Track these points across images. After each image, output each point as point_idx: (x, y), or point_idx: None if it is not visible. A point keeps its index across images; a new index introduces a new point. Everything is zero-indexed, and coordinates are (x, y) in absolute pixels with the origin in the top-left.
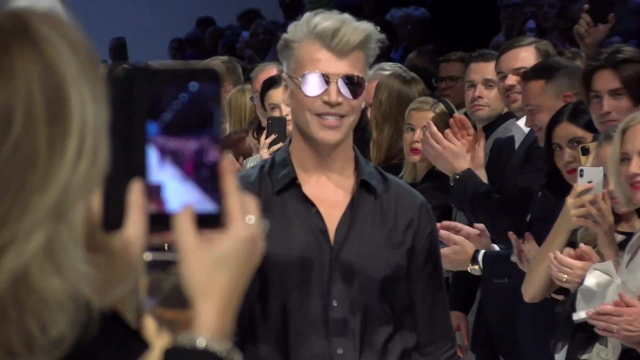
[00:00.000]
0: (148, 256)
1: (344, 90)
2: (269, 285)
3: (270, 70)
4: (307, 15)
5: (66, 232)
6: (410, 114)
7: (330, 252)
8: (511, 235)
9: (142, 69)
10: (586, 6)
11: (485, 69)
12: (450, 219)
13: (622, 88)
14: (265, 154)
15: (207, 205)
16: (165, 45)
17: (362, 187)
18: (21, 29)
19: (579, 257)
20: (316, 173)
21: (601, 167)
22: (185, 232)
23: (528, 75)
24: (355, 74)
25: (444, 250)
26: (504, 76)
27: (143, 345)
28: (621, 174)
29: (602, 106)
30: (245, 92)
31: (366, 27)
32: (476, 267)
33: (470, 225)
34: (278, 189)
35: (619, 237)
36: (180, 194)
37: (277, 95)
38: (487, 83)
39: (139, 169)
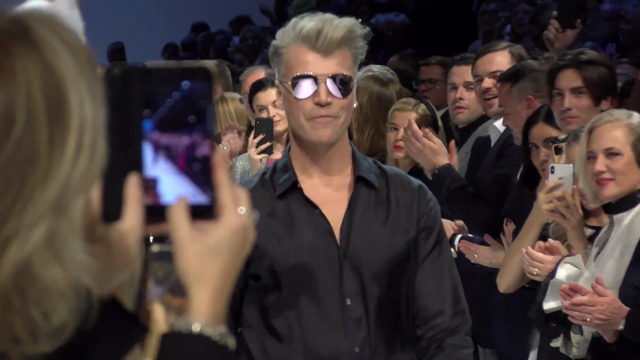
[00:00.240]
0: (156, 248)
1: (333, 90)
2: (282, 288)
3: (258, 73)
4: (293, 20)
5: (67, 225)
6: (393, 114)
7: (337, 250)
8: (487, 237)
9: (138, 68)
10: (554, 13)
11: (466, 72)
12: None
13: (583, 87)
14: (253, 153)
15: (200, 198)
16: (161, 49)
17: (361, 182)
18: (22, 32)
19: (549, 250)
20: (317, 175)
21: (571, 164)
22: (179, 223)
23: (499, 78)
24: (343, 73)
25: None
26: (480, 79)
27: (142, 330)
28: (588, 171)
29: (564, 103)
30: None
31: (347, 22)
32: (452, 250)
33: (449, 219)
34: (280, 193)
35: (589, 231)
36: (174, 187)
37: (265, 97)
38: (468, 85)
39: (136, 164)
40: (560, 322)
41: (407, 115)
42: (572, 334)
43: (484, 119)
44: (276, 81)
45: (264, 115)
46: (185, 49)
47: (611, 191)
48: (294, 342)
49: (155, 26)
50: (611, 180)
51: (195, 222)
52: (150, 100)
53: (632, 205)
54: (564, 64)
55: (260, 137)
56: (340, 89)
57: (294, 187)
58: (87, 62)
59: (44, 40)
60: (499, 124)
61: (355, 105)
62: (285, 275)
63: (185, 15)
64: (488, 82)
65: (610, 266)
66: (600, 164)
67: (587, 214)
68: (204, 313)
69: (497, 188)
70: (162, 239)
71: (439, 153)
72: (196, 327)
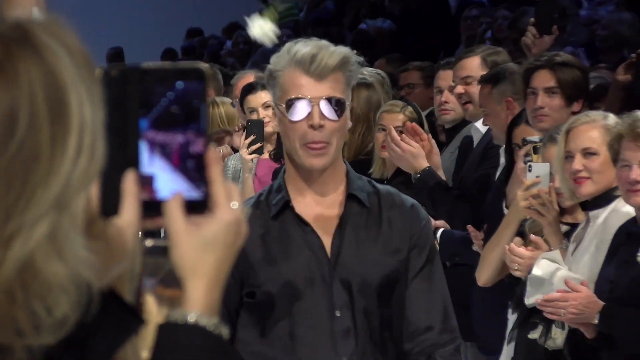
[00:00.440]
0: (150, 242)
1: (327, 112)
2: (276, 303)
3: (248, 77)
4: (287, 44)
5: (68, 222)
6: (381, 116)
7: (328, 265)
8: (470, 228)
9: (135, 69)
10: (532, 19)
11: (450, 76)
12: None
13: (556, 87)
14: (244, 153)
15: (194, 193)
16: (159, 54)
17: (352, 200)
18: (23, 37)
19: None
20: (310, 194)
21: (548, 163)
22: (175, 218)
23: (480, 80)
24: (337, 96)
25: None
26: (456, 84)
27: (140, 321)
28: (565, 170)
29: (537, 101)
30: (219, 104)
31: (342, 50)
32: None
33: (433, 218)
34: (274, 213)
35: (564, 228)
36: (170, 183)
37: (255, 99)
38: (453, 89)
39: (133, 161)
40: (541, 317)
41: (394, 117)
42: (554, 328)
43: (467, 121)
44: (271, 103)
45: (254, 116)
46: (185, 54)
47: (588, 189)
48: (286, 354)
49: (152, 31)
50: (588, 179)
51: (190, 216)
52: (147, 100)
53: (607, 202)
54: (540, 64)
55: (252, 138)
56: (335, 110)
57: (287, 206)
58: (86, 65)
59: (44, 45)
60: (479, 125)
61: (349, 125)
62: (279, 292)
63: (181, 21)
64: (459, 88)
65: (586, 261)
66: (578, 163)
67: (563, 211)
68: (199, 304)
69: (480, 188)
70: (152, 233)
71: (418, 156)
72: (192, 318)
